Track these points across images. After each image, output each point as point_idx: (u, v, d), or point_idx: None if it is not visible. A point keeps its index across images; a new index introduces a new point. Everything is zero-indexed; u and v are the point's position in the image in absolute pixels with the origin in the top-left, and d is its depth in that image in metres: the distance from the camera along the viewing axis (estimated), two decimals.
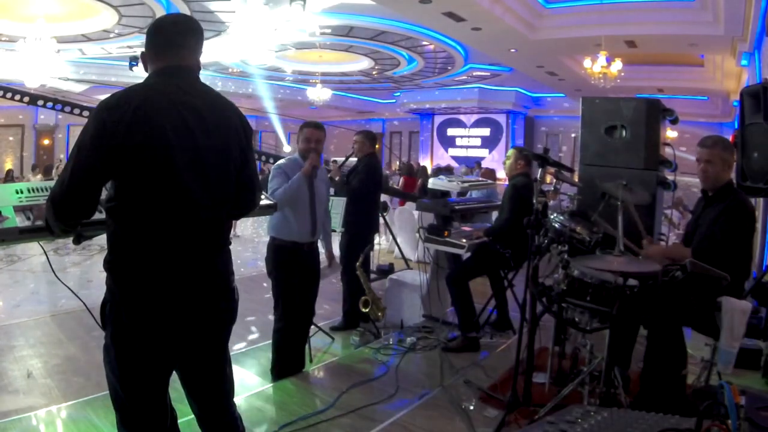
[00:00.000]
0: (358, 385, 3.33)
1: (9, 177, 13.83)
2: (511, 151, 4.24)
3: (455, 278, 3.98)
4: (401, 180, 11.87)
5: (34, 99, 7.57)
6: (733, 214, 2.66)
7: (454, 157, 19.38)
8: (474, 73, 14.50)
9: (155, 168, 1.56)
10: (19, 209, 1.68)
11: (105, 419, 2.82)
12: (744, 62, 8.07)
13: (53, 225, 1.58)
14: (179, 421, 1.82)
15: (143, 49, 1.73)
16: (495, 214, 4.93)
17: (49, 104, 7.61)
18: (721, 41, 8.09)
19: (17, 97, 7.32)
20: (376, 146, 5.09)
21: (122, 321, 1.61)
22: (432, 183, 4.60)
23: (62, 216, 1.55)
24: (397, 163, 19.61)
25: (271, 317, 3.59)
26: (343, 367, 3.74)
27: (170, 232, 1.61)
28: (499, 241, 3.92)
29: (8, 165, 16.01)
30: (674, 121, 3.77)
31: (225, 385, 1.86)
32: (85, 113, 7.42)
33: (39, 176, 13.33)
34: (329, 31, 10.48)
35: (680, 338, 2.52)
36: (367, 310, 4.40)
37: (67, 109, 7.59)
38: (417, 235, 4.68)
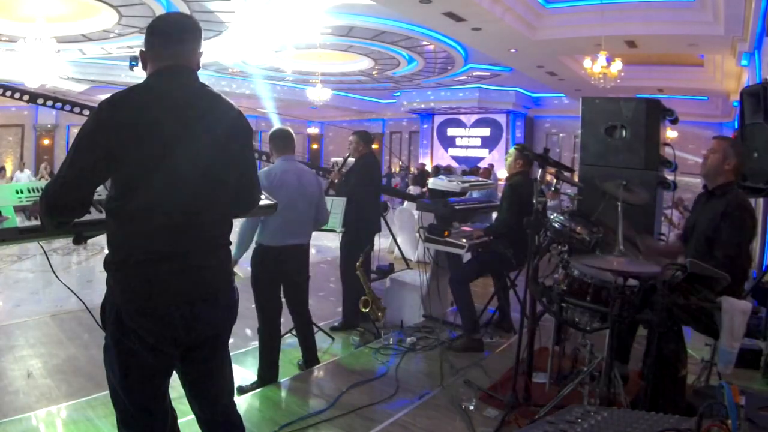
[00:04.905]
0: (358, 385, 3.33)
1: None
2: (512, 150, 4.25)
3: (458, 280, 3.98)
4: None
5: (34, 97, 7.55)
6: (737, 216, 2.64)
7: (454, 157, 19.35)
8: (474, 73, 14.49)
9: (154, 168, 1.56)
10: (19, 209, 1.68)
11: (105, 419, 2.82)
12: (744, 62, 8.06)
13: (46, 222, 1.58)
14: (179, 421, 1.82)
15: (143, 48, 1.73)
16: (495, 215, 4.93)
17: (49, 103, 7.59)
18: (721, 41, 8.09)
19: (17, 95, 7.30)
20: (374, 146, 5.09)
21: (122, 321, 1.61)
22: (432, 183, 4.60)
23: (54, 212, 1.54)
24: (399, 163, 19.56)
25: None
26: (343, 367, 3.74)
27: (170, 231, 1.61)
28: (500, 242, 3.92)
29: (8, 165, 15.99)
30: (674, 121, 3.77)
31: (225, 385, 1.86)
32: (86, 112, 7.41)
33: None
34: (329, 31, 10.47)
35: (680, 338, 2.52)
36: (367, 310, 4.40)
37: (67, 108, 7.58)
38: (417, 235, 4.68)
